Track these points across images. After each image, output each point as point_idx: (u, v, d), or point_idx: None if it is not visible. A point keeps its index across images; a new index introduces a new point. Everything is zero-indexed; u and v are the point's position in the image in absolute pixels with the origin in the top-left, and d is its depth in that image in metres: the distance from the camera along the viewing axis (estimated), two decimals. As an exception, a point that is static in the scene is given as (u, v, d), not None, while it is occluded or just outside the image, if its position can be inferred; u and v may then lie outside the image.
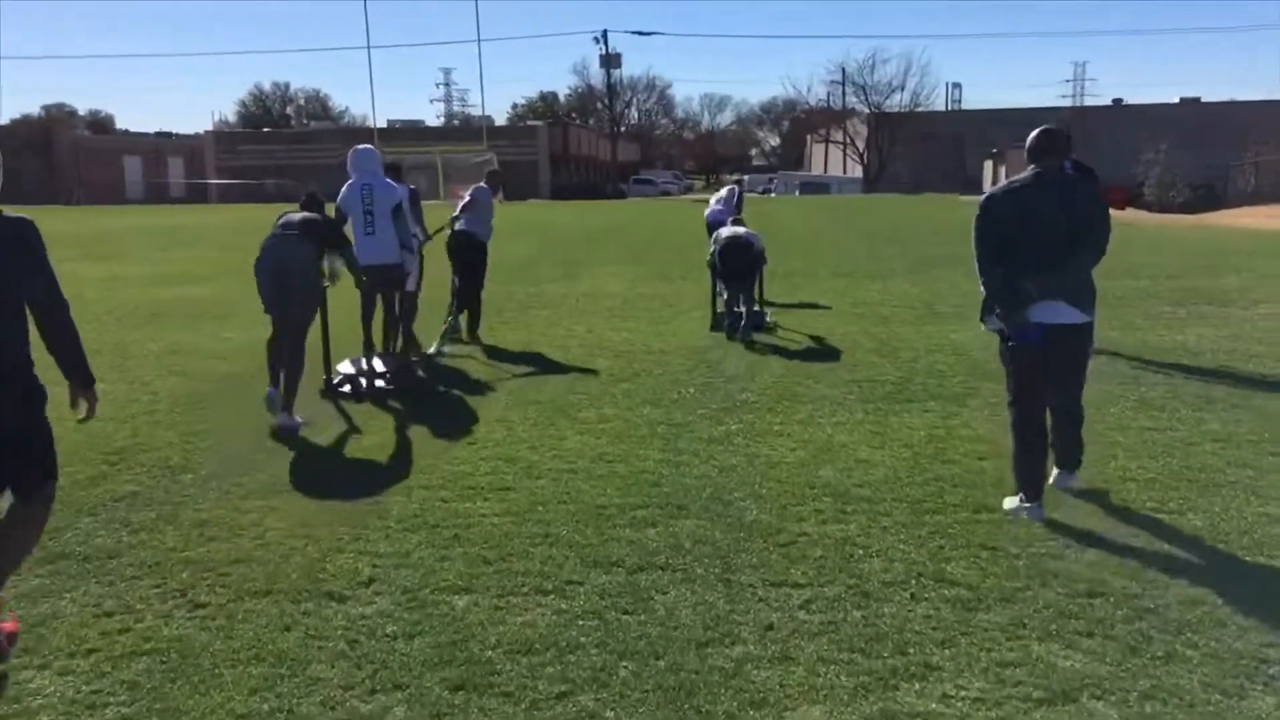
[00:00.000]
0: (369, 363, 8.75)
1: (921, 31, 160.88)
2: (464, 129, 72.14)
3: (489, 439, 6.83)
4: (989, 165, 59.45)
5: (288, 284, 7.25)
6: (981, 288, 5.31)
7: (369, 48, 60.29)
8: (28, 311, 3.80)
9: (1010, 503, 5.32)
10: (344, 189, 8.85)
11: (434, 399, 8.21)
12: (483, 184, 11.09)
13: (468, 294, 10.75)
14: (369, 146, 9.22)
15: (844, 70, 77.67)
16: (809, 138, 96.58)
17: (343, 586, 4.44)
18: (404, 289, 9.20)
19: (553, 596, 4.33)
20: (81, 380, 4.01)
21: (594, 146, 79.95)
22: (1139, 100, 72.46)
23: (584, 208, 45.86)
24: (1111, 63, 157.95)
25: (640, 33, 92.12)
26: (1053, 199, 5.14)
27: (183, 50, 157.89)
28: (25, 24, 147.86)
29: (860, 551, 4.75)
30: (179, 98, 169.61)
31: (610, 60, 72.23)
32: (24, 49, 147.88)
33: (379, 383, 8.48)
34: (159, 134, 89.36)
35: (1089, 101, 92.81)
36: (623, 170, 78.20)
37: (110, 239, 27.15)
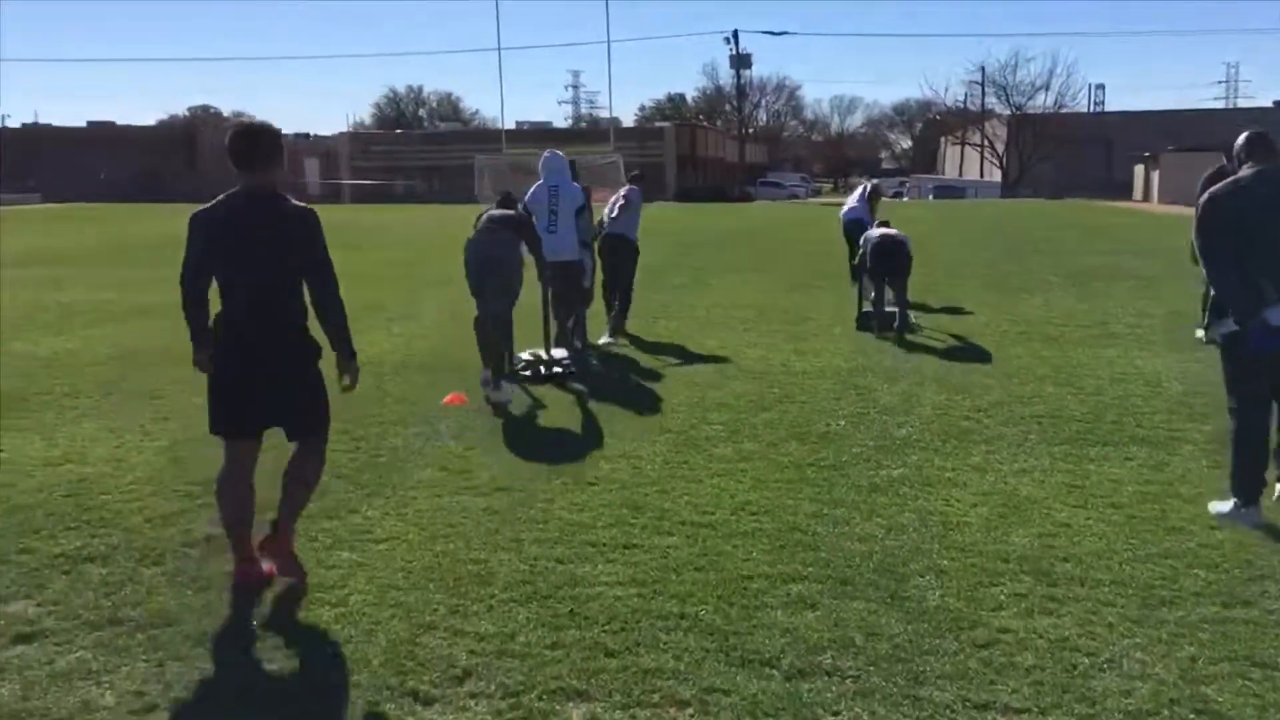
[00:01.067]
0: (549, 351, 9.02)
1: (1064, 29, 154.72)
2: (591, 130, 71.94)
3: (613, 478, 5.95)
4: (1140, 170, 56.34)
5: (498, 272, 7.97)
6: (1212, 291, 5.15)
7: (499, 49, 60.71)
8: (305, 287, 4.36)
9: (1222, 506, 5.14)
10: (532, 189, 9.53)
11: (556, 424, 7.39)
12: (634, 185, 11.28)
13: (615, 292, 10.90)
14: (558, 152, 9.84)
15: (983, 70, 74.88)
16: (943, 140, 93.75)
17: (432, 682, 3.60)
18: (582, 284, 9.77)
19: (692, 711, 3.41)
20: (345, 353, 4.50)
21: (721, 148, 78.92)
22: (1304, 101, 67.81)
23: (711, 210, 44.90)
24: (1265, 64, 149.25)
25: (771, 33, 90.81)
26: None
27: (320, 52, 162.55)
28: (169, 27, 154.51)
29: (1085, 661, 3.70)
30: (317, 100, 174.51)
31: (740, 60, 71.10)
32: (167, 51, 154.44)
33: (557, 369, 8.82)
34: (296, 135, 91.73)
35: (1242, 104, 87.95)
36: (750, 172, 76.92)
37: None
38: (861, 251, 11.24)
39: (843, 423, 7.14)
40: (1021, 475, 5.92)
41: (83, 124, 79.48)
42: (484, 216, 8.30)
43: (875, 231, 11.29)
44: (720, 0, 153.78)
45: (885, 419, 7.23)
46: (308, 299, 4.40)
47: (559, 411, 7.68)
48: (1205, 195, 5.18)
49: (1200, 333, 5.13)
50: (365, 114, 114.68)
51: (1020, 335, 10.67)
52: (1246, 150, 5.19)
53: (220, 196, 4.31)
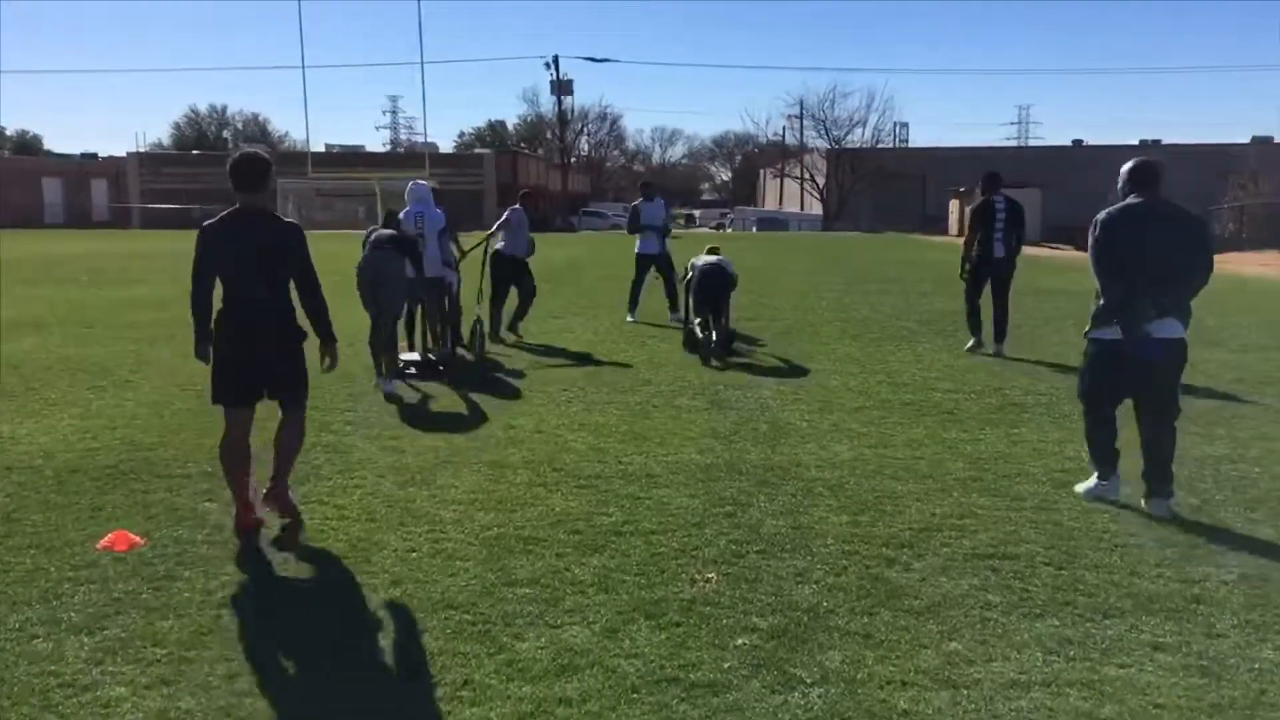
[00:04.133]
0: (424, 353, 10.50)
1: (876, 66, 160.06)
2: (407, 156, 68.52)
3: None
4: (955, 204, 57.05)
5: (387, 288, 9.21)
6: (1100, 301, 5.73)
7: (303, 66, 56.19)
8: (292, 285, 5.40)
9: (1087, 485, 6.02)
10: (400, 214, 10.47)
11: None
12: (517, 205, 12.88)
13: (502, 301, 12.65)
14: (421, 181, 11.19)
15: (802, 104, 75.18)
16: (763, 172, 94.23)
17: None
18: (450, 296, 10.84)
19: None
20: (326, 337, 5.64)
21: (543, 177, 76.64)
22: (1096, 142, 70.80)
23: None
24: (1054, 105, 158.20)
25: (593, 59, 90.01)
26: (1166, 225, 5.64)
27: (113, 66, 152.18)
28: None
29: None
30: (109, 118, 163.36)
31: (561, 86, 69.00)
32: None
33: (437, 369, 10.09)
34: (83, 155, 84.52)
35: (1033, 143, 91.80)
36: (572, 202, 74.86)
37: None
38: (687, 278, 11.90)
39: (713, 577, 4.76)
40: (1010, 691, 3.67)
41: None
42: (372, 236, 9.52)
43: (700, 259, 11.80)
44: (541, 27, 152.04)
45: (774, 567, 4.87)
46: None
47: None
48: (1099, 217, 5.75)
49: (1085, 332, 5.97)
50: (164, 134, 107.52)
51: (907, 407, 8.59)
52: (1131, 181, 5.78)
53: (223, 213, 5.27)
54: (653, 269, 14.41)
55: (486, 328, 11.89)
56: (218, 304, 5.36)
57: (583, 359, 11.09)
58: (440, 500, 5.93)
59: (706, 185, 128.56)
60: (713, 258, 11.76)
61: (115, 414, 8.10)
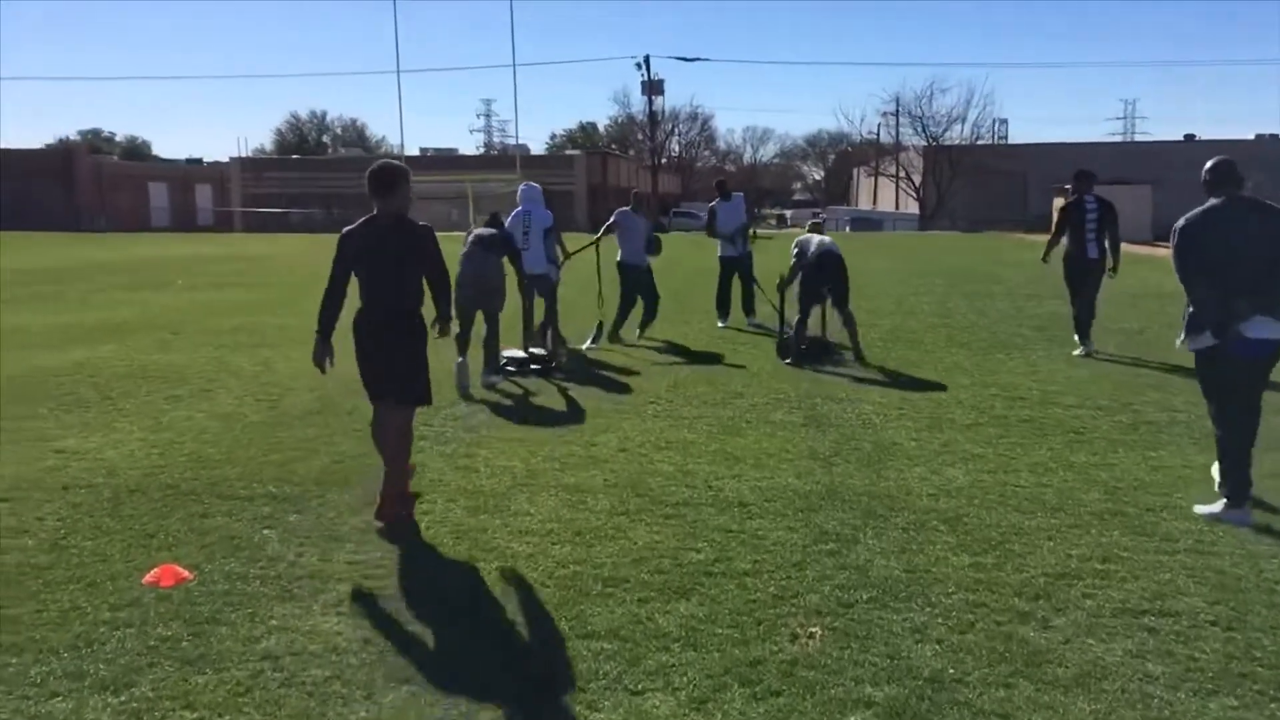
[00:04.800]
0: (526, 349, 10.73)
1: (974, 61, 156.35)
2: (499, 158, 68.79)
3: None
4: (1059, 202, 55.10)
5: (487, 284, 9.47)
6: (1190, 307, 5.58)
7: (398, 71, 56.99)
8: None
9: (1212, 508, 5.59)
10: (511, 215, 10.96)
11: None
12: (626, 208, 12.89)
13: (630, 306, 12.69)
14: (533, 184, 11.45)
15: (898, 101, 73.53)
16: (856, 171, 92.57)
17: None
18: (551, 294, 10.98)
19: None
20: (445, 317, 5.81)
21: (634, 178, 76.34)
22: (1208, 136, 67.87)
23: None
24: (1161, 99, 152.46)
25: (684, 58, 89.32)
26: (1251, 222, 5.53)
27: (217, 72, 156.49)
28: (61, 46, 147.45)
29: None
30: (214, 125, 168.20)
31: (652, 87, 68.53)
32: (58, 70, 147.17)
33: (535, 366, 10.34)
34: (189, 160, 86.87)
35: (1138, 138, 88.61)
36: (663, 202, 74.37)
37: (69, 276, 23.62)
38: (797, 263, 11.05)
39: (817, 628, 4.15)
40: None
41: (-47, 145, 73.90)
42: (472, 236, 9.81)
43: (815, 238, 11.12)
44: (632, 27, 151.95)
45: (888, 621, 4.24)
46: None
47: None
48: (1178, 224, 5.68)
49: (1178, 343, 5.74)
50: (266, 139, 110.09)
51: (1027, 424, 7.83)
52: (1210, 184, 5.70)
53: (363, 219, 5.55)
54: (737, 273, 13.81)
55: (607, 328, 12.26)
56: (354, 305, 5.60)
57: (670, 368, 10.52)
58: (513, 530, 5.42)
59: (799, 185, 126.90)
60: (826, 238, 11.15)
61: (186, 427, 7.79)
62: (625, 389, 9.35)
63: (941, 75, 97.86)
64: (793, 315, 10.89)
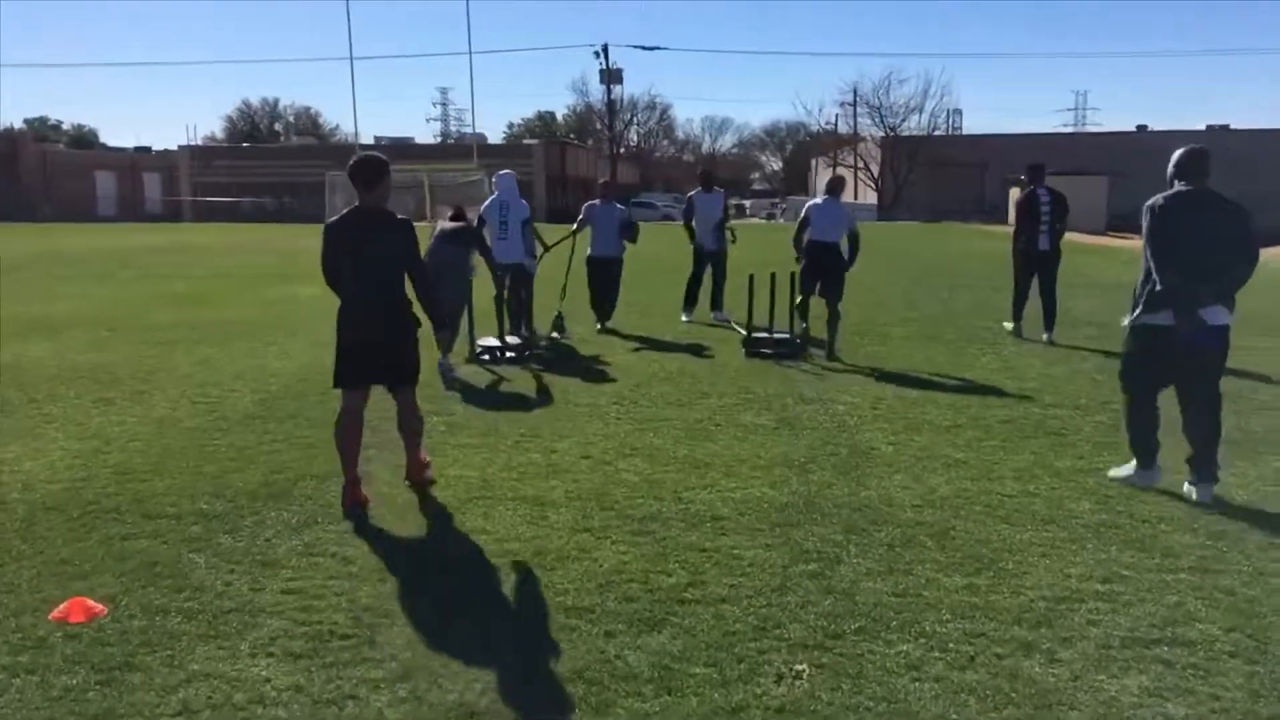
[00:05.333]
0: (502, 338, 10.64)
1: (930, 51, 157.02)
2: (456, 147, 67.89)
3: None
4: (1015, 193, 55.27)
5: (449, 278, 9.35)
6: (1150, 284, 5.74)
7: (351, 58, 55.85)
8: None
9: (1123, 470, 6.10)
10: (486, 203, 11.20)
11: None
12: (595, 200, 12.79)
13: (604, 299, 12.69)
14: (509, 172, 11.46)
15: (855, 91, 73.53)
16: (814, 161, 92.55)
17: None
18: (528, 282, 11.26)
19: None
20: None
21: (592, 168, 75.77)
22: (1161, 127, 68.32)
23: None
24: (1112, 90, 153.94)
25: (643, 47, 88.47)
26: (1210, 213, 5.68)
27: (166, 59, 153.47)
28: (8, 33, 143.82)
29: None
30: (163, 111, 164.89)
31: (611, 75, 67.94)
32: (4, 57, 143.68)
33: (510, 354, 10.37)
34: (137, 148, 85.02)
35: (1090, 128, 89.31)
36: (622, 193, 73.81)
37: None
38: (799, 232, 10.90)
39: (804, 666, 3.75)
40: None
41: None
42: (438, 230, 9.94)
43: (818, 210, 10.78)
44: (591, 15, 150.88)
45: (880, 655, 3.84)
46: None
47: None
48: (1154, 202, 5.76)
49: (1126, 320, 5.91)
50: (217, 127, 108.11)
51: (1006, 426, 7.48)
52: (1179, 170, 5.82)
53: (345, 211, 5.73)
54: (711, 267, 13.40)
55: (564, 322, 12.11)
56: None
57: (634, 365, 10.10)
58: (467, 551, 4.98)
59: (757, 175, 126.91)
60: (835, 211, 10.73)
61: (114, 433, 7.25)
62: (588, 388, 8.92)
63: (899, 66, 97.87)
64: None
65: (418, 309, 5.76)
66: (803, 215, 10.94)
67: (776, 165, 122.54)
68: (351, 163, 5.69)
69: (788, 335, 10.82)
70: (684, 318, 13.34)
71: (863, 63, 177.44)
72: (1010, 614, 4.21)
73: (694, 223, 13.44)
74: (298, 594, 4.42)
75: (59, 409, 8.07)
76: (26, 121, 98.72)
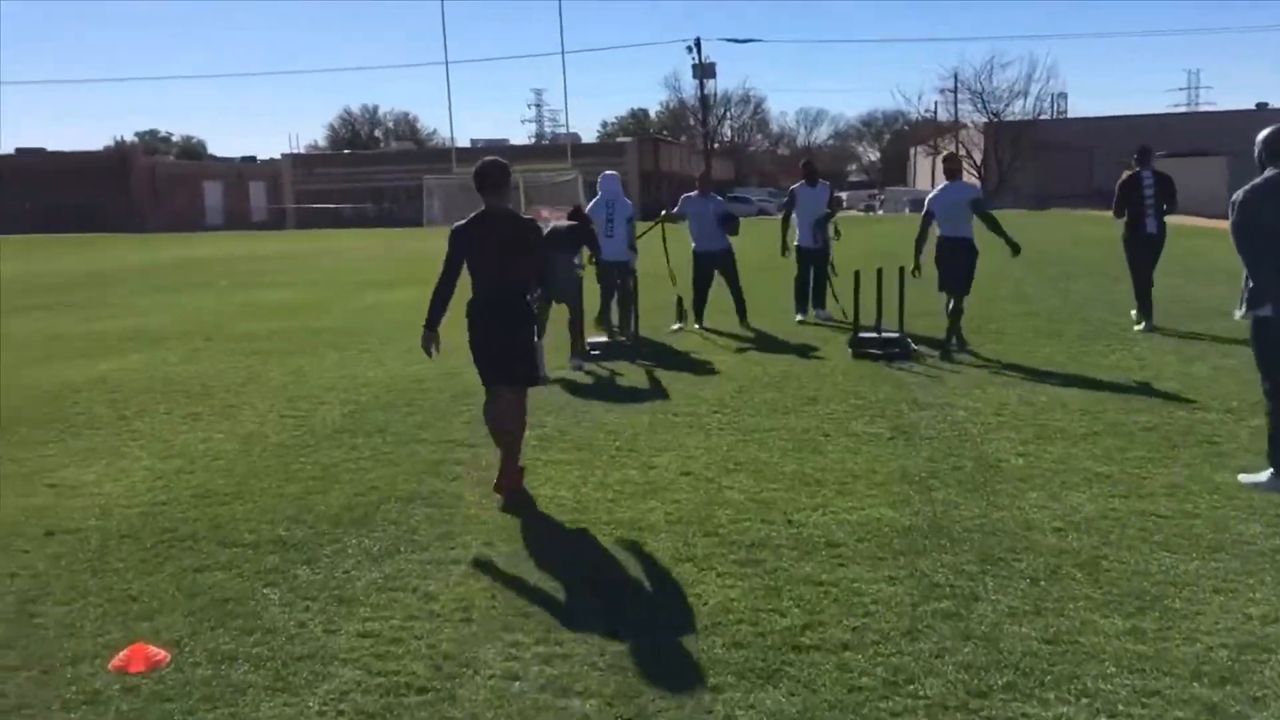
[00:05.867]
0: (609, 334, 11.35)
1: (1033, 33, 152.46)
2: (550, 148, 68.04)
3: None
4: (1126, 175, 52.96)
5: (565, 278, 9.64)
6: (1250, 280, 5.48)
7: (446, 62, 56.25)
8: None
9: (1259, 477, 5.60)
10: (592, 203, 11.45)
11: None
12: (693, 193, 12.39)
13: (703, 295, 12.36)
14: (614, 173, 11.91)
15: (956, 77, 71.60)
16: (913, 151, 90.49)
17: None
18: (632, 279, 11.41)
19: None
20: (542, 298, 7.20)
21: (686, 163, 75.23)
22: (1281, 104, 65.03)
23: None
24: (1226, 68, 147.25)
25: (735, 40, 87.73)
26: None
27: (270, 69, 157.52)
28: (122, 49, 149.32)
29: None
30: (268, 123, 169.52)
31: (703, 70, 67.29)
32: (120, 72, 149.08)
33: (615, 351, 10.59)
34: (242, 159, 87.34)
35: (1203, 108, 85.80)
36: (716, 188, 73.12)
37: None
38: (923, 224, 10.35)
39: (945, 734, 3.21)
40: None
41: (10, 151, 74.75)
42: (549, 228, 9.61)
43: (941, 199, 10.26)
44: (683, 11, 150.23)
45: None
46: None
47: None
48: (1236, 197, 5.56)
49: (1237, 314, 5.68)
50: (319, 135, 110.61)
51: (1150, 434, 6.77)
52: (1267, 150, 5.58)
53: (472, 215, 5.82)
54: (813, 266, 12.80)
55: (688, 310, 12.32)
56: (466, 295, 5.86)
57: (736, 368, 9.59)
58: (558, 583, 4.54)
59: (853, 166, 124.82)
60: (957, 197, 10.23)
61: (199, 452, 7.02)
62: (688, 394, 8.43)
63: (1002, 49, 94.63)
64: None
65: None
66: (926, 209, 10.37)
67: (874, 156, 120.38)
68: (477, 168, 5.80)
69: (897, 334, 10.19)
70: (798, 316, 12.74)
71: (965, 48, 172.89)
72: (1187, 667, 3.60)
73: (794, 218, 12.82)
74: (374, 638, 4.03)
75: (146, 425, 7.91)
76: (138, 134, 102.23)
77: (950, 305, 10.33)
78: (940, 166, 10.97)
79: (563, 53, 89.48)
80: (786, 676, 3.62)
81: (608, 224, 11.12)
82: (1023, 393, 8.17)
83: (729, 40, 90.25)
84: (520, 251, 5.79)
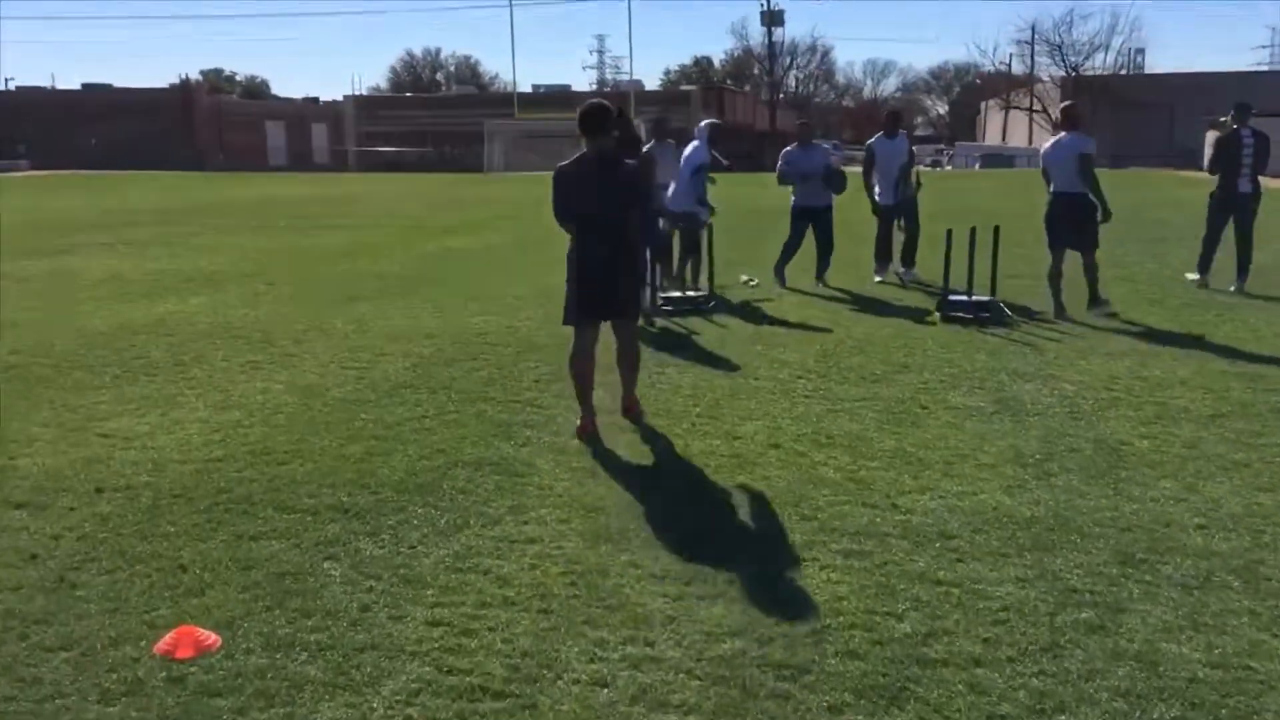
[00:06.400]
0: (680, 288, 10.83)
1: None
2: (612, 94, 67.11)
3: None
4: (1211, 136, 51.04)
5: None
6: None
7: (510, 4, 55.33)
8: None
9: None
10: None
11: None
12: (793, 146, 11.61)
13: (794, 249, 11.76)
14: (704, 123, 11.14)
15: (1033, 29, 69.31)
16: (984, 105, 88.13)
17: None
18: (700, 233, 10.81)
19: None
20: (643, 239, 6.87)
21: (751, 114, 73.90)
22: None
23: (748, 181, 40.14)
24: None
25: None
26: None
27: (333, 9, 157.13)
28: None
29: None
30: (332, 63, 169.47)
31: (772, 18, 65.79)
32: (186, 10, 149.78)
33: (689, 307, 10.10)
34: (305, 99, 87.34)
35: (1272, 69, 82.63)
36: (781, 140, 71.85)
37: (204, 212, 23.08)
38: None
39: (1110, 780, 2.74)
40: None
41: (77, 87, 75.40)
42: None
43: (1051, 154, 9.70)
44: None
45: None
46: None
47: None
48: None
49: None
50: (381, 78, 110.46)
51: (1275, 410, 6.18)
52: None
53: (574, 156, 5.87)
54: (898, 221, 12.13)
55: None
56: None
57: (816, 330, 9.06)
58: (643, 573, 4.10)
59: (920, 119, 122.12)
60: (1063, 153, 9.57)
61: (258, 403, 6.67)
62: (770, 357, 7.94)
63: (1082, 2, 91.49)
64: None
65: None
66: (1042, 165, 9.84)
67: (942, 110, 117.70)
68: (581, 111, 5.79)
69: (988, 299, 9.58)
70: (876, 277, 12.11)
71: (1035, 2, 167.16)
72: (1387, 706, 3.08)
73: (873, 174, 12.11)
74: (445, 626, 3.63)
75: (204, 372, 7.59)
76: (203, 73, 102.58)
77: (1053, 267, 9.73)
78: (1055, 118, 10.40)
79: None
80: (914, 698, 3.16)
81: (683, 175, 10.62)
82: (1132, 365, 7.56)
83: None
84: (621, 192, 5.84)
